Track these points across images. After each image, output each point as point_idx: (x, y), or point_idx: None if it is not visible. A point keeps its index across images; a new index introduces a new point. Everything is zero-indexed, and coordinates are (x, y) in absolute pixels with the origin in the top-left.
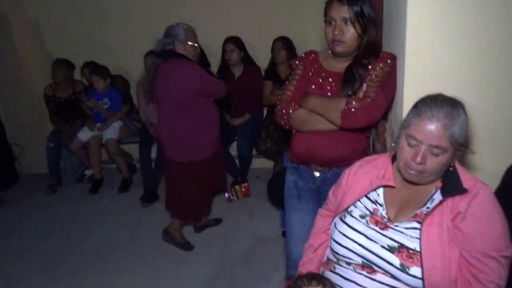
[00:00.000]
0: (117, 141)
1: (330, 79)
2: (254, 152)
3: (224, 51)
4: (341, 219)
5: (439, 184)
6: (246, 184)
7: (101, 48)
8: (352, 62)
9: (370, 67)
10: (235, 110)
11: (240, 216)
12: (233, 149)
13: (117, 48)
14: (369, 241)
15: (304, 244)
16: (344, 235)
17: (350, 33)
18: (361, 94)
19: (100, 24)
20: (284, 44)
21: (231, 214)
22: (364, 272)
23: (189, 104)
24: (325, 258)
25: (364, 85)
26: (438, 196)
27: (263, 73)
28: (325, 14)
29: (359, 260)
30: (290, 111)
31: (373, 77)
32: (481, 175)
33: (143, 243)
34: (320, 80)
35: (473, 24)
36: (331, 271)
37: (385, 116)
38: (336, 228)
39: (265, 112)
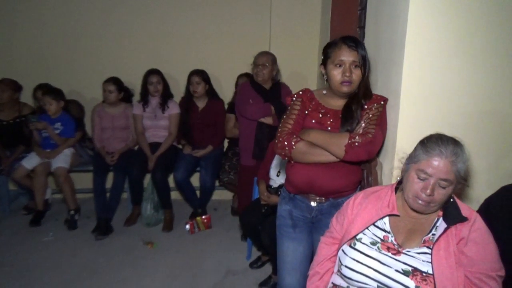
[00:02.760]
0: (68, 169)
1: (329, 115)
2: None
3: (189, 83)
4: (351, 246)
5: (440, 213)
6: (208, 216)
7: (54, 71)
8: (350, 101)
9: (366, 106)
10: (197, 141)
11: (205, 249)
12: (194, 180)
13: (72, 71)
14: (383, 266)
15: (297, 273)
16: (357, 261)
17: (357, 75)
18: (360, 131)
19: (53, 46)
20: (248, 79)
21: (195, 247)
22: None
23: None
24: (330, 284)
25: (362, 123)
26: (441, 224)
27: (226, 107)
28: (328, 56)
29: (374, 284)
30: (292, 143)
31: (371, 115)
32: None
33: (101, 282)
34: (320, 116)
35: (467, 72)
36: None
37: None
38: (347, 254)
39: (226, 145)
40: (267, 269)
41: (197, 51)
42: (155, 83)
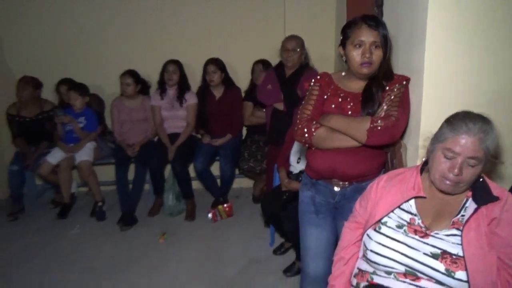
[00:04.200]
0: (91, 163)
1: (349, 99)
2: (236, 172)
3: (205, 72)
4: (375, 230)
5: (468, 193)
6: (229, 204)
7: (72, 67)
8: (371, 83)
9: (387, 88)
10: (215, 130)
11: (227, 237)
12: (214, 169)
13: (91, 66)
14: (410, 249)
15: (321, 259)
16: (383, 245)
17: (377, 56)
18: (382, 114)
19: (71, 41)
20: (264, 66)
21: (218, 235)
22: (407, 280)
23: None
24: (355, 269)
25: (384, 105)
26: (471, 204)
27: (243, 95)
28: (347, 36)
29: (402, 268)
30: (312, 129)
31: (392, 97)
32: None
33: (128, 271)
34: (340, 100)
35: (493, 48)
36: (368, 281)
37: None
38: (372, 239)
39: (244, 132)
40: (291, 255)
41: (212, 39)
42: (170, 72)
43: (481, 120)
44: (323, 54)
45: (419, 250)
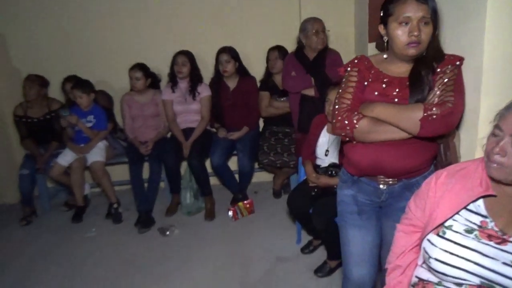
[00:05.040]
0: (104, 163)
1: (394, 85)
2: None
3: (218, 62)
4: (439, 236)
5: None
6: (249, 200)
7: (79, 62)
8: (418, 65)
9: (438, 70)
10: (231, 123)
11: (251, 236)
12: (231, 164)
13: (97, 61)
14: (486, 258)
15: (366, 264)
16: (451, 253)
17: (427, 34)
18: (435, 100)
19: (76, 36)
20: (280, 53)
21: (241, 234)
22: None
23: None
24: (414, 279)
25: (436, 90)
26: None
27: (258, 84)
28: (390, 13)
29: (476, 280)
30: (354, 121)
31: (446, 80)
32: None
33: (149, 274)
34: (384, 86)
35: None
36: None
37: None
38: (435, 245)
39: (261, 124)
40: (320, 254)
41: (223, 27)
42: (180, 64)
43: None
44: (341, 35)
45: (497, 259)
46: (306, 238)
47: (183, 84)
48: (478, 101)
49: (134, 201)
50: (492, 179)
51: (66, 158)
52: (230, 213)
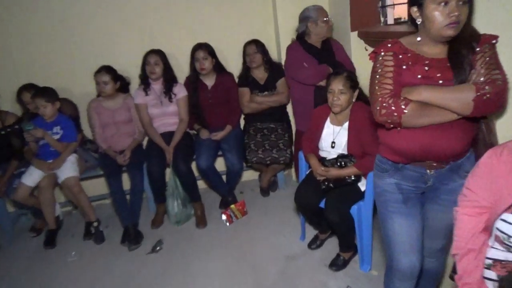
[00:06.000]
0: (79, 178)
1: (436, 67)
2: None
3: (194, 59)
4: None
5: None
6: (242, 201)
7: (34, 69)
8: (457, 45)
9: (478, 49)
10: (213, 123)
11: (251, 238)
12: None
13: (56, 67)
14: None
15: (416, 252)
16: None
17: (465, 13)
18: (482, 79)
19: (30, 40)
20: (258, 47)
21: (241, 237)
22: None
23: None
24: (488, 261)
25: (480, 69)
26: None
27: (236, 80)
28: None
29: None
30: (402, 106)
31: (487, 59)
32: None
33: None
34: (427, 69)
35: None
36: None
37: None
38: None
39: (241, 122)
40: (328, 247)
41: (195, 23)
42: (152, 64)
43: None
44: None
45: None
46: (309, 233)
47: (157, 86)
48: None
49: (118, 216)
50: None
51: (32, 177)
52: (224, 217)
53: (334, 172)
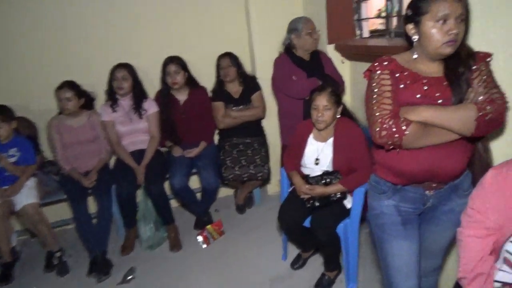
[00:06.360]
0: (39, 204)
1: (435, 86)
2: None
3: (165, 73)
4: None
5: None
6: (218, 221)
7: None
8: (452, 63)
9: (474, 67)
10: (187, 140)
11: (232, 260)
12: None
13: (11, 82)
14: None
15: (414, 276)
16: None
17: (463, 31)
18: (480, 98)
19: None
20: (232, 60)
21: (220, 260)
22: None
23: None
24: (496, 284)
25: (478, 87)
26: None
27: (209, 94)
28: (424, 11)
29: None
30: (403, 127)
31: (485, 77)
32: None
33: None
34: (425, 88)
35: None
36: None
37: None
38: None
39: (216, 137)
40: (312, 266)
41: (165, 35)
42: (119, 78)
43: None
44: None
45: None
46: (291, 251)
47: (126, 102)
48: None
49: (84, 244)
50: None
51: None
52: (200, 238)
53: (320, 190)
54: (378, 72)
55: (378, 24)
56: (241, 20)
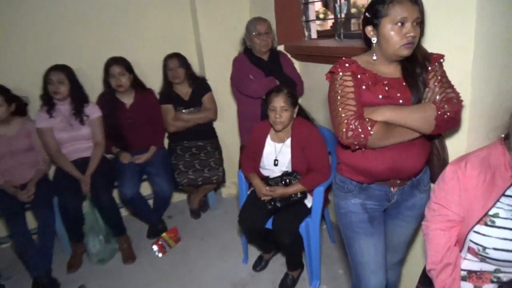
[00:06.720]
0: None
1: (395, 87)
2: None
3: (109, 75)
4: (488, 225)
5: None
6: (173, 228)
7: None
8: (409, 65)
9: (430, 68)
10: (135, 145)
11: (191, 267)
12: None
13: None
14: None
15: (382, 270)
16: (510, 239)
17: (419, 33)
18: (437, 97)
19: None
20: (180, 61)
21: (179, 269)
22: None
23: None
24: (462, 272)
25: (434, 87)
26: None
27: (157, 97)
28: (383, 14)
29: None
30: (368, 128)
31: (439, 77)
32: None
33: None
34: (387, 89)
35: None
36: (493, 282)
37: None
38: (489, 236)
39: (166, 141)
40: (274, 267)
41: (108, 35)
42: (55, 82)
43: None
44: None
45: None
46: (252, 254)
47: (64, 107)
48: (465, 97)
49: (24, 264)
50: None
51: None
52: (155, 247)
53: (280, 191)
54: (341, 73)
55: (330, 27)
56: (186, 20)
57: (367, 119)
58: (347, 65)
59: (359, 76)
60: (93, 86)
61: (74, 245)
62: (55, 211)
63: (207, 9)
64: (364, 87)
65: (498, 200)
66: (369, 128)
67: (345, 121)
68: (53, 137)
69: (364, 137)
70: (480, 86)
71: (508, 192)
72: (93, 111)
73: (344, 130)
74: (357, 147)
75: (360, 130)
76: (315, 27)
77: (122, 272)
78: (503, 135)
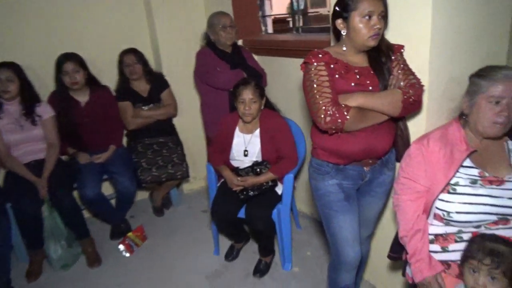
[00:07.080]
0: None
1: (364, 75)
2: None
3: (61, 72)
4: (450, 193)
5: (503, 138)
6: (139, 226)
7: None
8: (375, 54)
9: (393, 57)
10: (93, 145)
11: (161, 264)
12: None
13: None
14: (496, 198)
15: (358, 243)
16: (470, 203)
17: (383, 26)
18: (401, 83)
19: None
20: (137, 56)
21: (149, 268)
22: (500, 226)
23: None
24: (430, 236)
25: (398, 75)
26: None
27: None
28: (352, 8)
29: (493, 218)
30: (344, 113)
31: (402, 65)
32: None
33: None
34: (358, 77)
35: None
36: (457, 242)
37: None
38: (452, 202)
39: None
40: (245, 255)
41: (58, 30)
42: (3, 80)
43: (507, 67)
44: (196, 35)
45: (503, 197)
46: (222, 245)
47: (13, 107)
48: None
49: None
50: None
51: None
52: (122, 247)
53: (252, 180)
54: (315, 64)
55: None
56: (141, 14)
57: (343, 105)
58: (320, 55)
59: (332, 65)
60: (42, 84)
61: (32, 253)
62: (10, 218)
63: (162, 4)
64: (337, 75)
65: (457, 171)
66: (345, 113)
67: (323, 107)
68: (1, 139)
69: (341, 122)
70: (436, 72)
71: (465, 163)
72: (46, 111)
73: (322, 116)
74: (334, 131)
75: (337, 115)
76: (271, 22)
77: (89, 276)
78: (458, 115)
